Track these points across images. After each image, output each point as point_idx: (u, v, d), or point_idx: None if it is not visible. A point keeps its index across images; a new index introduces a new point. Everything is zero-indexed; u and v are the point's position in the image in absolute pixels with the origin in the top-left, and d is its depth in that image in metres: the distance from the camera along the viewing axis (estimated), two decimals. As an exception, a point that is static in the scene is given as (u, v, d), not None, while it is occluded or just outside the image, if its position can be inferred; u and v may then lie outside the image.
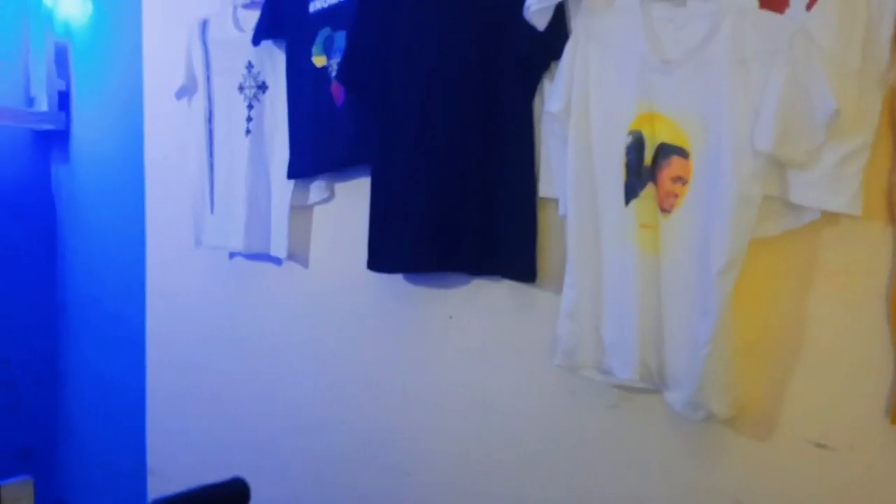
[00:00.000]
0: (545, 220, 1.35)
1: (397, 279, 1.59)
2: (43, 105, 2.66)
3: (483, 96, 1.39)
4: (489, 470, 1.47)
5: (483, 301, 1.47)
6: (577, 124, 1.23)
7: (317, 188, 1.76)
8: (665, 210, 1.15)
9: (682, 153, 1.12)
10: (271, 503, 1.75)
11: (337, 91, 1.64)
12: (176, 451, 2.23)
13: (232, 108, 1.90)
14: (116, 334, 2.50)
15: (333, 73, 1.63)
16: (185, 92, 2.04)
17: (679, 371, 1.13)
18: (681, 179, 1.13)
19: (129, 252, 2.38)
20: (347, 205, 1.71)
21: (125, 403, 2.44)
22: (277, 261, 1.86)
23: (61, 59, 2.64)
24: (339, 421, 1.74)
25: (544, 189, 1.35)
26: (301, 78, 1.73)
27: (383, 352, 1.65)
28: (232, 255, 2.00)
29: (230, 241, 1.92)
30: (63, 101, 2.66)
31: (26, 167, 2.73)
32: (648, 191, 1.16)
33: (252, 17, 1.81)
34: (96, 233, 2.61)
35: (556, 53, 1.27)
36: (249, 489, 1.05)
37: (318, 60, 1.68)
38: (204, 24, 1.95)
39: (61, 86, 2.65)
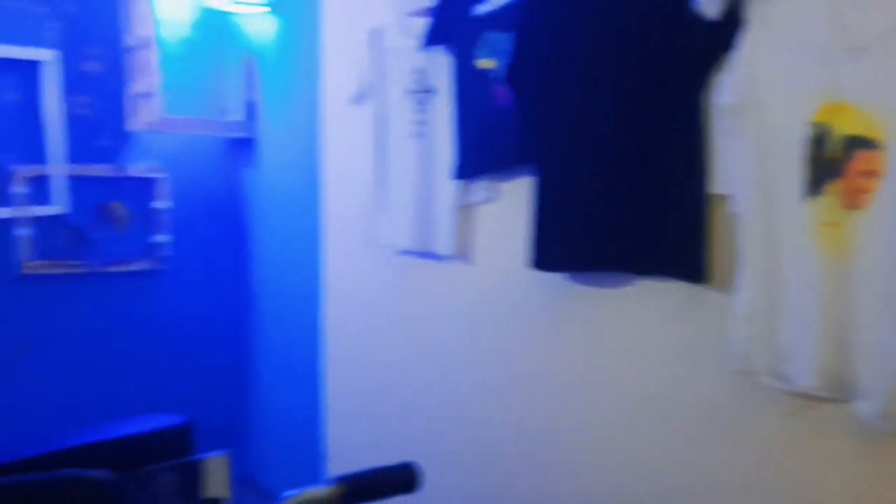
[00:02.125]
0: (715, 217, 1.30)
1: (560, 278, 1.59)
2: (235, 115, 2.91)
3: (650, 91, 1.36)
4: (654, 473, 1.44)
5: (648, 301, 1.44)
6: (752, 118, 1.17)
7: (481, 188, 1.80)
8: (853, 207, 1.07)
9: (875, 145, 1.04)
10: (439, 491, 1.81)
11: (500, 93, 1.66)
12: (351, 437, 2.36)
13: (401, 112, 1.98)
14: (297, 325, 2.69)
15: (497, 75, 1.66)
16: (358, 99, 2.16)
17: (870, 380, 1.06)
18: (873, 174, 1.04)
19: (307, 248, 2.55)
20: (510, 204, 1.73)
21: (305, 390, 2.62)
22: (442, 258, 1.92)
23: (250, 73, 2.88)
24: (504, 417, 1.77)
25: (714, 185, 1.30)
26: (466, 81, 1.77)
27: (546, 350, 1.66)
28: (400, 252, 2.09)
29: (399, 239, 2.00)
30: (251, 111, 2.90)
31: (221, 172, 3.01)
32: (832, 186, 1.09)
33: (421, 25, 1.88)
34: (279, 231, 2.82)
35: (729, 44, 1.22)
36: (419, 474, 1.09)
37: (483, 63, 1.71)
38: (377, 34, 2.05)
39: (251, 97, 2.89)
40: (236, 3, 2.71)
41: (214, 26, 2.89)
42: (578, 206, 1.47)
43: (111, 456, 1.38)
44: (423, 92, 1.93)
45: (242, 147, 2.98)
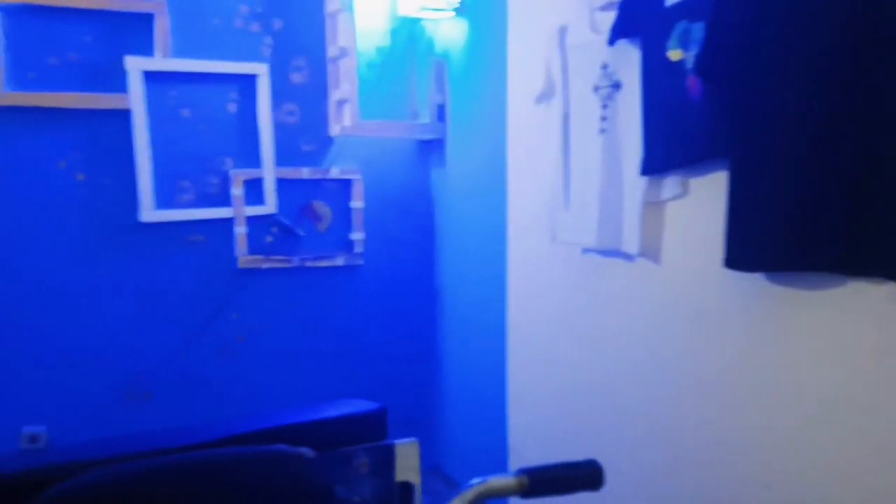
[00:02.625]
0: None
1: (757, 278, 1.50)
2: (425, 118, 3.03)
3: (867, 76, 1.25)
4: (860, 488, 1.33)
5: (862, 304, 1.32)
6: None
7: (670, 184, 1.74)
8: None
9: None
10: (620, 494, 1.78)
11: (693, 84, 1.60)
12: (534, 431, 2.37)
13: (587, 108, 1.97)
14: (482, 320, 2.75)
15: (690, 66, 1.60)
16: (544, 97, 2.17)
17: None
18: None
19: (492, 245, 2.60)
20: (702, 200, 1.66)
21: (490, 383, 2.67)
22: (629, 257, 1.88)
23: (440, 76, 2.98)
24: (691, 423, 1.71)
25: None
26: (656, 73, 1.72)
27: (739, 355, 1.58)
28: (585, 250, 2.07)
29: (583, 236, 1.98)
30: (440, 113, 3.00)
31: (411, 172, 3.14)
32: None
33: (608, 19, 1.85)
34: (466, 228, 2.90)
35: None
36: (603, 473, 1.08)
37: (674, 54, 1.66)
38: (562, 31, 2.05)
39: (440, 99, 2.99)
40: (426, 9, 2.82)
41: (406, 33, 3.03)
42: (779, 201, 1.39)
43: (312, 436, 1.49)
44: (610, 87, 1.90)
45: (432, 148, 3.10)
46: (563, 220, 2.07)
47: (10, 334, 2.63)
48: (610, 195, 1.90)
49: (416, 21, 2.99)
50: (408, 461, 1.55)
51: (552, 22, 2.08)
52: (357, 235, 3.05)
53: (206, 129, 2.85)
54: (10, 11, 2.56)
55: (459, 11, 2.80)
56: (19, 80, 2.60)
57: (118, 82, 2.68)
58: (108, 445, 1.52)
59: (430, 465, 3.14)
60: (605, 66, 1.91)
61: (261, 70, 2.86)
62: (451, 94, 2.95)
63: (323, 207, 3.03)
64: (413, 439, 1.56)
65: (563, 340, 2.20)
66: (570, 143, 2.04)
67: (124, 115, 2.69)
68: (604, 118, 1.91)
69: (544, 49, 2.11)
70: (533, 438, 2.37)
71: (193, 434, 1.50)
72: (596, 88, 1.94)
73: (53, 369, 2.69)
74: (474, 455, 2.89)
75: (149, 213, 2.74)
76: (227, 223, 2.87)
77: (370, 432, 1.60)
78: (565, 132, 2.06)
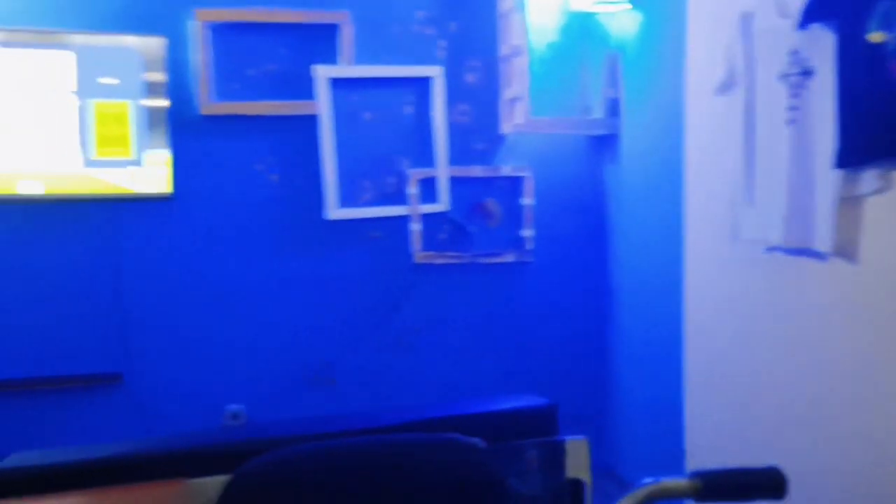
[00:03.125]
0: None
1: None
2: (597, 112, 2.99)
3: None
4: None
5: None
6: None
7: (870, 177, 1.60)
8: None
9: None
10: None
11: (897, 68, 1.47)
12: (712, 436, 2.28)
13: (773, 98, 1.86)
14: (657, 318, 2.68)
15: (894, 49, 1.46)
16: (725, 87, 2.07)
17: None
18: None
19: (668, 242, 2.52)
20: (908, 194, 1.51)
21: (664, 384, 2.59)
22: (820, 256, 1.75)
23: (613, 69, 2.93)
24: (881, 438, 1.56)
25: None
26: (854, 58, 1.59)
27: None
28: (769, 248, 1.95)
29: (768, 233, 1.88)
30: (613, 108, 2.95)
31: (582, 168, 3.11)
32: None
33: (798, 2, 1.74)
34: (640, 225, 2.83)
35: None
36: (787, 481, 1.02)
37: (876, 37, 1.52)
38: (746, 17, 1.94)
39: (613, 94, 2.94)
40: (600, 3, 2.78)
41: (579, 27, 3.00)
42: None
43: (483, 427, 1.53)
44: (800, 74, 1.78)
45: (604, 144, 3.05)
46: (746, 217, 1.97)
47: (215, 321, 2.90)
48: (799, 189, 1.78)
49: (588, 15, 2.95)
50: (578, 459, 1.54)
51: (735, 7, 1.98)
52: (527, 232, 3.06)
53: (384, 131, 2.99)
54: (216, 29, 2.82)
55: (635, 3, 2.73)
56: (223, 91, 2.86)
57: (307, 89, 2.87)
58: (299, 425, 1.65)
59: (601, 466, 3.09)
60: (794, 53, 1.79)
61: (436, 72, 2.96)
62: (625, 88, 2.89)
63: (494, 205, 3.08)
64: (583, 437, 1.55)
65: (744, 342, 2.09)
66: (754, 134, 1.94)
67: (312, 120, 2.88)
68: (792, 108, 1.80)
69: (726, 36, 2.02)
70: (711, 443, 2.28)
71: (373, 419, 1.58)
72: (784, 76, 1.83)
73: (252, 354, 2.94)
74: (648, 457, 2.82)
75: (334, 211, 2.91)
76: (404, 220, 2.99)
77: (540, 427, 1.61)
78: (748, 123, 1.95)
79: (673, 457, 2.49)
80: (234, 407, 2.91)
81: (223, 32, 2.84)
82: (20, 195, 2.66)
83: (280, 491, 1.31)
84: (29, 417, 2.73)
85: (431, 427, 1.51)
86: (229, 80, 2.86)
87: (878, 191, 1.59)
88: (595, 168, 3.10)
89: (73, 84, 2.68)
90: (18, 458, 1.42)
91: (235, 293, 2.92)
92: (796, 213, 1.79)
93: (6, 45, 2.62)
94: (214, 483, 1.30)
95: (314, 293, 2.97)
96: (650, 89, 2.71)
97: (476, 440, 1.43)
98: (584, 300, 3.14)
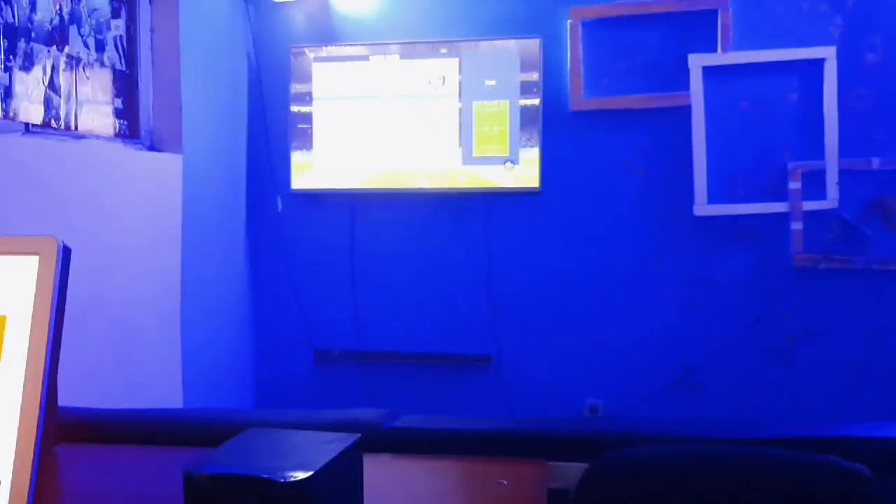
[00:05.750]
0: None
1: None
2: None
3: None
4: None
5: None
6: None
7: None
8: None
9: None
10: None
11: None
12: None
13: None
14: None
15: None
16: None
17: None
18: None
19: None
20: None
21: None
22: None
23: None
24: None
25: None
26: None
27: None
28: None
29: None
30: None
31: None
32: None
33: None
34: None
35: None
36: None
37: None
38: None
39: None
40: None
41: None
42: None
43: (870, 453, 1.34)
44: None
45: None
46: None
47: (578, 315, 2.98)
48: None
49: None
50: None
51: None
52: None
53: (763, 121, 2.77)
54: (589, 25, 2.88)
55: None
56: (594, 86, 2.91)
57: (680, 81, 2.79)
58: (660, 425, 1.62)
59: None
60: None
61: (828, 53, 2.65)
62: None
63: (894, 202, 2.66)
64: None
65: None
66: None
67: (683, 112, 2.79)
68: None
69: None
70: None
71: (740, 429, 1.49)
72: None
73: (614, 350, 2.95)
74: None
75: (703, 207, 2.79)
76: (783, 218, 2.75)
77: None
78: None
79: None
80: (593, 400, 2.96)
81: (596, 28, 2.89)
82: (411, 189, 3.02)
83: (638, 485, 1.30)
84: (418, 386, 3.09)
85: (807, 446, 1.37)
86: (601, 75, 2.91)
87: None
88: None
89: (456, 87, 2.97)
90: (409, 420, 1.63)
91: (599, 288, 2.96)
92: None
93: (404, 56, 3.00)
94: (574, 469, 1.34)
95: (679, 291, 2.88)
96: None
97: (860, 466, 1.27)
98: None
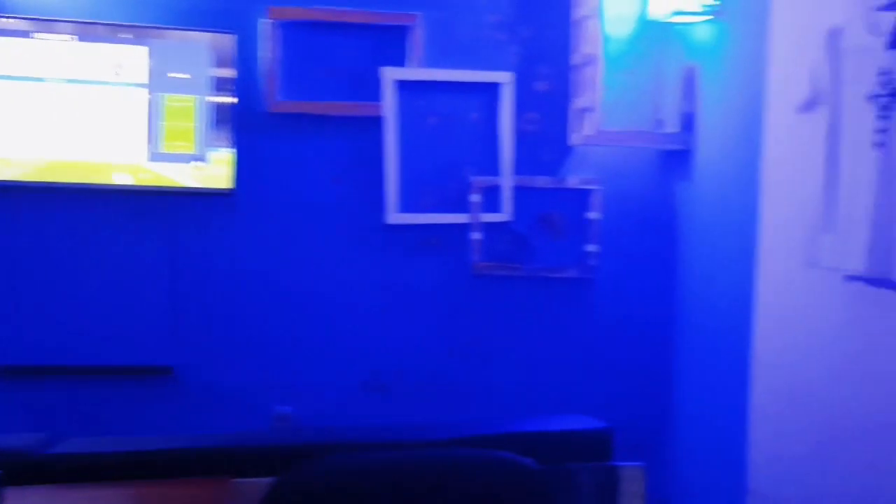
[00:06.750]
0: None
1: None
2: (671, 127, 2.90)
3: None
4: None
5: None
6: None
7: (966, 207, 1.50)
8: None
9: None
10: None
11: None
12: (778, 475, 2.17)
13: (860, 119, 1.76)
14: (723, 345, 2.57)
15: None
16: (809, 106, 1.97)
17: None
18: None
19: (740, 266, 2.41)
20: None
21: (728, 416, 2.48)
22: (907, 289, 1.65)
23: (689, 83, 2.83)
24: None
25: None
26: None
27: None
28: (849, 278, 1.85)
29: (849, 261, 1.78)
30: (688, 122, 2.85)
31: (653, 184, 3.02)
32: None
33: (889, 20, 1.64)
34: (711, 247, 2.73)
35: None
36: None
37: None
38: (834, 33, 1.85)
39: (688, 108, 2.84)
40: (679, 13, 2.70)
41: (655, 38, 2.92)
42: None
43: (535, 447, 1.48)
44: (889, 96, 1.68)
45: (676, 159, 2.95)
46: (825, 243, 1.87)
47: (269, 321, 2.91)
48: (884, 216, 1.68)
49: (666, 25, 2.86)
50: (633, 487, 1.48)
51: (822, 23, 1.89)
52: (592, 248, 2.99)
53: (450, 136, 2.95)
54: (287, 27, 2.84)
55: (715, 15, 2.63)
56: (291, 89, 2.87)
57: (375, 91, 2.87)
58: (347, 433, 1.63)
59: (657, 496, 2.98)
60: (884, 73, 1.70)
61: (506, 78, 2.91)
62: (702, 103, 2.79)
63: (559, 217, 3.01)
64: (639, 464, 1.49)
65: (818, 377, 1.98)
66: (837, 156, 1.84)
67: (379, 123, 2.87)
68: (881, 130, 1.70)
69: (811, 53, 1.93)
70: (777, 481, 2.17)
71: (424, 432, 1.55)
72: (872, 97, 1.73)
73: (304, 356, 2.93)
74: (707, 491, 2.70)
75: (394, 215, 2.89)
76: (465, 228, 2.95)
77: (594, 451, 1.55)
78: (832, 144, 1.86)
79: (734, 493, 2.38)
80: (282, 409, 2.91)
81: (293, 31, 2.86)
82: (85, 184, 2.72)
83: (326, 497, 1.29)
84: (82, 404, 2.78)
85: (482, 443, 1.47)
86: (298, 78, 2.88)
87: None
88: (666, 184, 3.00)
89: (145, 77, 2.74)
90: (70, 445, 1.44)
91: (291, 293, 2.92)
92: (880, 241, 1.69)
93: (83, 37, 2.69)
94: (259, 485, 1.29)
95: (370, 297, 2.96)
96: (728, 105, 2.60)
97: (529, 461, 1.39)
98: (648, 321, 3.04)
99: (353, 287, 2.95)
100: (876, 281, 1.74)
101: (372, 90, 2.87)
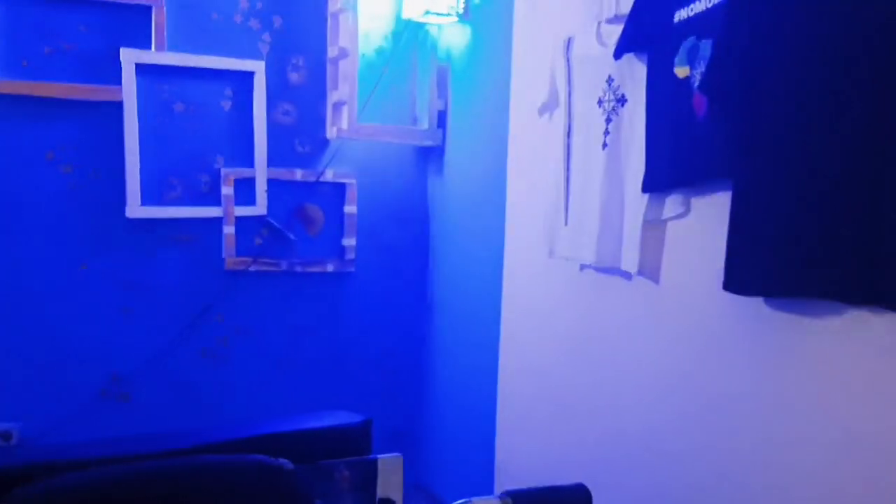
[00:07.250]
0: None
1: (757, 303, 1.46)
2: (424, 123, 2.99)
3: (876, 102, 1.22)
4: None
5: (862, 335, 1.28)
6: None
7: (672, 202, 1.71)
8: None
9: None
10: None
11: (699, 102, 1.57)
12: (522, 451, 2.32)
13: (590, 122, 1.93)
14: (475, 334, 2.70)
15: (696, 84, 1.56)
16: (546, 108, 2.13)
17: None
18: None
19: (489, 257, 2.56)
20: (704, 220, 1.62)
21: (480, 400, 2.62)
22: (627, 275, 1.84)
23: (441, 81, 2.94)
24: (688, 448, 1.66)
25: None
26: (661, 89, 1.69)
27: (737, 381, 1.53)
28: (583, 266, 2.03)
29: (582, 253, 1.95)
30: (441, 119, 2.96)
31: (408, 179, 3.10)
32: None
33: (615, 32, 1.82)
34: (462, 239, 2.86)
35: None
36: (591, 498, 1.04)
37: (681, 71, 1.62)
38: (568, 42, 2.01)
39: (440, 106, 2.95)
40: (430, 14, 2.78)
41: (410, 36, 2.99)
42: (781, 224, 1.35)
43: (293, 447, 1.44)
44: (615, 101, 1.87)
45: (430, 155, 3.06)
46: (562, 235, 2.03)
47: (-11, 327, 2.57)
48: (611, 211, 1.86)
49: (419, 25, 2.94)
50: (390, 477, 1.50)
51: (558, 32, 2.05)
52: (349, 241, 2.99)
53: (199, 126, 2.79)
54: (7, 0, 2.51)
55: (463, 17, 2.76)
56: (12, 67, 2.54)
57: (114, 74, 2.62)
58: (82, 448, 1.47)
59: (415, 484, 3.08)
60: (610, 80, 1.88)
61: (258, 67, 2.82)
62: (453, 101, 2.91)
63: (315, 211, 2.98)
64: (397, 454, 1.51)
65: (557, 358, 2.15)
66: (571, 156, 2.01)
67: (117, 108, 2.63)
68: (607, 133, 1.88)
69: (549, 59, 2.08)
70: (521, 459, 2.32)
71: (170, 440, 1.44)
72: (600, 102, 1.91)
73: (29, 366, 2.61)
74: (461, 474, 2.84)
75: (135, 209, 2.68)
76: (216, 223, 2.82)
77: (353, 445, 1.55)
78: (567, 145, 2.02)
79: (486, 473, 2.52)
80: (5, 425, 2.57)
81: (14, 3, 2.53)
82: None
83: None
84: None
85: (235, 448, 1.41)
86: (19, 56, 2.55)
87: (680, 216, 1.70)
88: (420, 179, 3.10)
89: None
90: None
91: (14, 296, 2.59)
92: (607, 234, 1.86)
93: None
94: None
95: (109, 298, 2.71)
96: (477, 104, 2.74)
97: (283, 461, 1.35)
98: (404, 313, 3.11)
99: (90, 287, 2.68)
100: (604, 269, 1.92)
101: (111, 73, 2.63)
